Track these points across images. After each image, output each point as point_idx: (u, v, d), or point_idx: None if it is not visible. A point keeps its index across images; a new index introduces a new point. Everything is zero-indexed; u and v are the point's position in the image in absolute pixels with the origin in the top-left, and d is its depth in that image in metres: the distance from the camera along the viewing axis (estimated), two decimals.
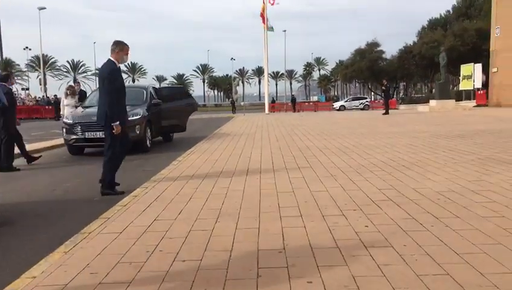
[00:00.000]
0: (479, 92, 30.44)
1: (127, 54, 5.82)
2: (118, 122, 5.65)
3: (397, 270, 2.82)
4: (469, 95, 33.98)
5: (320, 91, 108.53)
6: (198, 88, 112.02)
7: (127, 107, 6.15)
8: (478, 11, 49.43)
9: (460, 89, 36.24)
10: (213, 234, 3.68)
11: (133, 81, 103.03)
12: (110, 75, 5.64)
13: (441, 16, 58.26)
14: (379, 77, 51.20)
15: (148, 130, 10.85)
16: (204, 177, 6.32)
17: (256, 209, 4.40)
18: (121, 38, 6.78)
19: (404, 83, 70.10)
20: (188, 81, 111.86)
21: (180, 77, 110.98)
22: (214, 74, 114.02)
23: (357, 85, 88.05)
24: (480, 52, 38.37)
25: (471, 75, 32.27)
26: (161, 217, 4.27)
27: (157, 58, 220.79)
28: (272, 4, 30.53)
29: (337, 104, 48.26)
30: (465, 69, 33.80)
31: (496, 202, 4.39)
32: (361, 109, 42.99)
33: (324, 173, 6.36)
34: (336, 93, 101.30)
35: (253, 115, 32.17)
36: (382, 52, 58.51)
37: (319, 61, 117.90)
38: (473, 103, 30.53)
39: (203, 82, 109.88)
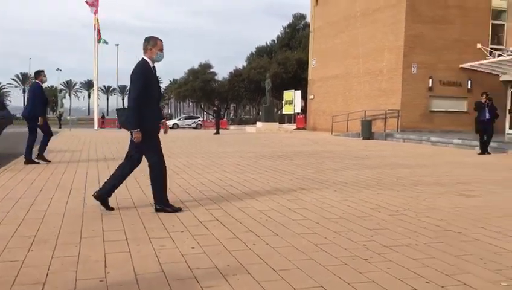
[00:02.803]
0: (299, 116, 33.56)
1: (161, 50, 5.06)
2: (138, 129, 4.86)
3: None
4: (290, 118, 37.18)
5: None
6: (18, 99, 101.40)
7: None
8: (298, 43, 54.72)
9: (283, 112, 39.44)
10: (24, 265, 3.30)
11: None
12: (135, 74, 4.91)
13: (267, 44, 62.88)
14: (211, 97, 52.91)
15: None
16: (18, 199, 5.67)
17: (78, 235, 4.10)
18: None
19: (235, 105, 73.54)
20: (5, 90, 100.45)
21: None
22: None
23: (190, 104, 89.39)
24: (300, 80, 42.34)
25: (292, 100, 35.42)
26: None
27: None
28: (95, 14, 29.25)
29: (170, 123, 48.30)
30: (287, 94, 36.95)
31: (309, 219, 4.83)
32: (194, 128, 43.79)
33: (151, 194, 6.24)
34: (169, 111, 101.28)
35: (81, 130, 30.23)
36: (214, 73, 60.65)
37: None
38: (293, 126, 33.49)
39: (24, 92, 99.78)
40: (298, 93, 34.67)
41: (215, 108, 28.02)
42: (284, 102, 37.86)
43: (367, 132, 21.12)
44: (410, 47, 21.88)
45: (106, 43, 30.95)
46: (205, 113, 70.16)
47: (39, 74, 9.85)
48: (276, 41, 60.79)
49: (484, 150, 13.62)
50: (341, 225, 4.64)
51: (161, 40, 5.09)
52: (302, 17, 57.71)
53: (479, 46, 21.65)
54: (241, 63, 74.39)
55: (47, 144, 9.99)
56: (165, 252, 3.65)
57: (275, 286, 2.97)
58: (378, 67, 23.62)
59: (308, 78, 31.87)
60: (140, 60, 5.03)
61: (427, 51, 21.96)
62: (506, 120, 22.78)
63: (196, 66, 59.35)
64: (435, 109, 22.34)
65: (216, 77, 60.63)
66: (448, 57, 22.13)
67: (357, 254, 3.68)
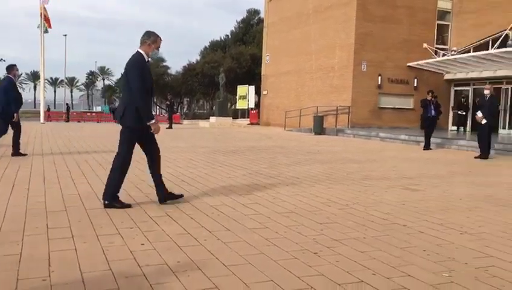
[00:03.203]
0: (253, 111, 33.65)
1: (158, 48, 5.05)
2: (153, 121, 4.84)
3: (169, 288, 2.84)
4: (244, 113, 37.21)
5: (104, 102, 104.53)
6: None
7: None
8: (252, 38, 54.77)
9: (237, 107, 39.42)
10: None
11: None
12: (132, 66, 4.80)
13: (221, 38, 62.60)
14: (164, 91, 52.09)
15: None
16: None
17: (20, 233, 3.92)
18: None
19: (188, 99, 72.82)
20: None
21: None
22: None
23: None
24: (254, 75, 42.42)
25: (246, 95, 35.45)
26: None
27: None
28: (45, 3, 28.05)
29: None
30: (241, 89, 36.94)
31: (261, 214, 4.85)
32: None
33: (101, 188, 6.07)
34: None
35: (27, 123, 28.97)
36: (167, 67, 59.82)
37: (104, 71, 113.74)
38: (247, 121, 33.53)
39: None
40: (252, 88, 34.73)
41: (168, 102, 27.57)
42: (237, 97, 37.84)
43: (319, 128, 21.47)
44: (361, 45, 22.40)
45: (46, 32, 29.67)
46: (158, 107, 69.11)
47: (12, 68, 9.38)
48: (230, 36, 60.58)
49: (426, 145, 14.17)
50: (292, 219, 4.70)
51: (161, 39, 5.05)
52: (256, 12, 57.77)
53: (425, 45, 22.48)
54: (195, 57, 73.54)
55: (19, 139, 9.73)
56: (113, 249, 3.56)
57: (226, 281, 2.96)
58: (330, 64, 24.03)
59: (262, 74, 32.00)
60: (135, 53, 4.93)
61: (376, 49, 22.56)
62: (449, 117, 23.81)
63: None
64: (384, 106, 23.01)
65: (169, 71, 59.84)
66: (397, 56, 22.84)
67: (307, 247, 3.73)
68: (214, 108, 37.64)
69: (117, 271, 3.08)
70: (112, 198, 4.99)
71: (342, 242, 3.92)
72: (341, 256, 3.54)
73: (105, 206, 4.95)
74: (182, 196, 5.47)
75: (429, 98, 14.51)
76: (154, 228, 4.21)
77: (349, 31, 22.64)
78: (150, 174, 5.26)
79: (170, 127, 24.49)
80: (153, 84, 5.11)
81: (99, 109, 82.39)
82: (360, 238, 4.07)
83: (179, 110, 60.64)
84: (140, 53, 4.91)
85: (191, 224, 4.37)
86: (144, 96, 4.82)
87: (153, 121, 4.86)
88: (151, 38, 4.94)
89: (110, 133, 19.84)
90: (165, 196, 5.24)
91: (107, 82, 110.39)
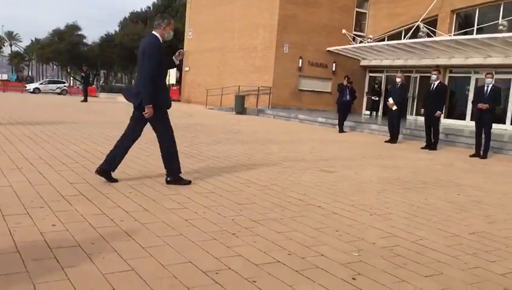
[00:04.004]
0: (174, 87, 33.01)
1: (172, 29, 5.17)
2: (151, 105, 4.89)
3: (82, 271, 2.74)
4: None
5: (11, 69, 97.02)
6: None
7: None
8: (175, 12, 53.38)
9: None
10: None
11: None
12: (150, 50, 4.91)
13: (142, 10, 60.39)
14: (79, 62, 49.46)
15: None
16: None
17: None
18: None
19: (105, 71, 69.78)
20: None
21: None
22: None
23: (54, 67, 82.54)
24: (175, 51, 41.51)
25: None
26: None
27: None
28: None
29: (31, 86, 44.04)
30: None
31: (181, 194, 4.81)
32: (59, 94, 40.57)
33: (9, 164, 5.70)
34: (30, 74, 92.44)
35: None
36: (83, 36, 56.71)
37: (11, 36, 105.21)
38: None
39: None
40: None
41: (83, 74, 26.24)
42: None
43: (240, 107, 21.59)
44: (284, 26, 22.69)
45: None
46: (72, 78, 65.57)
47: None
48: (152, 8, 58.61)
49: (341, 128, 14.80)
50: (212, 199, 4.71)
51: (173, 20, 5.24)
52: None
53: (344, 31, 23.30)
54: (114, 28, 70.30)
55: None
56: (21, 230, 3.36)
57: (143, 263, 2.92)
58: (253, 44, 24.12)
59: (184, 50, 31.38)
60: (151, 36, 5.05)
61: (298, 32, 22.98)
62: (363, 102, 25.00)
63: (62, 27, 54.89)
64: (304, 88, 23.62)
65: (85, 41, 56.83)
66: (317, 40, 23.44)
67: (225, 228, 3.77)
68: (133, 82, 36.34)
69: (25, 254, 2.92)
70: (175, 174, 5.21)
71: (260, 223, 4.00)
72: (259, 237, 3.62)
73: (168, 182, 5.19)
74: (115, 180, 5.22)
75: (345, 83, 15.11)
76: (66, 207, 4.03)
77: (273, 11, 22.81)
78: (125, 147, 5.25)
79: (85, 100, 23.38)
80: (163, 64, 5.18)
81: (5, 77, 76.42)
82: (277, 219, 4.18)
83: (94, 83, 57.99)
84: (157, 37, 5.02)
85: (107, 204, 4.23)
86: (150, 84, 4.93)
87: (150, 106, 4.93)
88: (165, 21, 5.07)
89: (20, 104, 18.57)
90: (106, 174, 5.10)
91: (15, 48, 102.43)
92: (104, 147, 7.78)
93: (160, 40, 5.04)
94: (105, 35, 54.65)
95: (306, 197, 5.15)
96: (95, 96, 33.30)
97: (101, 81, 69.48)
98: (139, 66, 5.09)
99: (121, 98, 28.95)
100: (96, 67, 58.83)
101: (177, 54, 5.27)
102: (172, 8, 54.87)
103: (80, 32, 56.28)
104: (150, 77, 4.90)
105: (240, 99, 21.85)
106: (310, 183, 5.94)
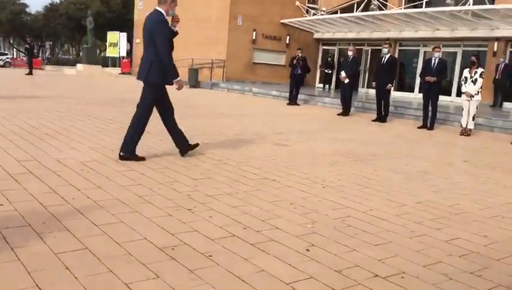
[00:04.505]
0: (124, 60, 32.02)
1: (176, 5, 5.15)
2: (179, 78, 5.15)
3: (33, 251, 2.68)
4: (115, 62, 35.30)
5: None
6: None
7: None
8: None
9: (107, 55, 37.20)
10: None
11: None
12: (161, 26, 5.01)
13: None
14: (23, 32, 46.91)
15: None
16: None
17: None
18: None
19: (51, 43, 66.66)
20: None
21: None
22: None
23: None
24: (126, 22, 40.10)
25: (117, 43, 33.51)
26: None
27: None
28: None
29: None
30: (111, 36, 34.75)
31: (134, 170, 4.74)
32: (1, 66, 38.52)
33: None
34: None
35: None
36: (26, 5, 53.65)
37: None
38: (118, 70, 31.90)
39: None
40: (124, 35, 32.90)
41: (27, 45, 25.03)
42: (108, 44, 35.56)
43: (194, 81, 21.29)
44: None
45: None
46: (15, 50, 62.34)
47: None
48: None
49: (294, 102, 14.93)
50: (167, 175, 4.68)
51: None
52: None
53: (297, 3, 23.24)
54: None
55: None
56: None
57: (97, 241, 2.88)
58: (206, 15, 23.67)
59: (135, 20, 30.40)
60: (157, 13, 5.05)
61: (252, 4, 22.72)
62: (316, 75, 25.25)
63: None
64: (258, 61, 23.52)
65: (28, 10, 53.83)
66: (271, 12, 23.28)
67: (181, 204, 3.77)
68: (81, 54, 34.99)
69: None
70: (130, 153, 5.14)
71: (215, 198, 4.02)
72: (214, 211, 3.65)
73: (121, 157, 5.10)
74: (197, 145, 5.74)
75: (298, 55, 15.15)
76: (14, 186, 3.89)
77: None
78: (169, 129, 5.49)
79: (30, 73, 22.35)
80: (171, 40, 5.25)
81: None
82: (233, 193, 4.21)
83: (40, 55, 55.42)
84: (161, 12, 5.05)
85: (58, 182, 4.11)
86: (171, 58, 5.10)
87: (179, 78, 5.16)
88: None
89: None
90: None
91: None
92: (51, 122, 7.52)
93: (165, 15, 5.08)
94: (50, 4, 51.96)
95: (261, 171, 5.21)
96: (40, 68, 31.85)
97: (47, 53, 66.44)
98: (146, 43, 5.15)
99: (69, 70, 27.86)
100: (41, 38, 56.08)
101: (173, 21, 5.24)
102: None
103: (22, 1, 53.23)
104: (169, 53, 5.08)
105: (194, 73, 21.52)
106: (265, 157, 6.00)
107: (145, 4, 28.94)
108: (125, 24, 39.31)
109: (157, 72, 5.08)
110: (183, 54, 24.37)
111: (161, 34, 4.99)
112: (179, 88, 5.24)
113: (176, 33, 5.28)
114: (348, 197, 4.37)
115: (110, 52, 35.32)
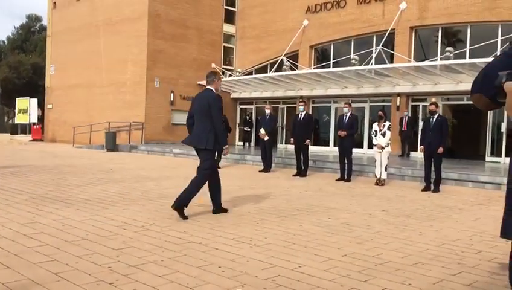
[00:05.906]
0: (35, 126, 30.58)
1: (221, 82, 6.58)
2: (227, 145, 6.35)
3: None
4: (25, 129, 33.57)
5: None
6: None
7: None
8: (34, 46, 50.07)
9: (17, 122, 35.35)
10: None
11: None
12: (217, 102, 6.11)
13: None
14: None
15: None
16: None
17: None
18: None
19: None
20: None
21: None
22: None
23: None
24: (36, 87, 38.69)
25: (27, 109, 32.08)
26: None
27: None
28: None
29: None
30: (21, 102, 33.26)
31: (48, 245, 4.40)
32: None
33: None
34: None
35: None
36: None
37: None
38: (29, 137, 30.30)
39: None
40: (34, 101, 31.61)
41: None
42: (17, 110, 33.90)
43: (111, 144, 20.72)
44: (153, 61, 22.55)
45: None
46: None
47: None
48: (6, 42, 54.18)
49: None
50: (84, 247, 4.38)
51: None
52: (38, 19, 53.05)
53: (213, 65, 23.87)
54: None
55: None
56: None
57: None
58: (122, 79, 23.51)
59: (46, 86, 29.41)
60: (210, 91, 6.19)
61: (169, 66, 23.00)
62: (236, 133, 25.67)
63: None
64: (177, 122, 23.49)
65: None
66: (188, 74, 23.67)
67: (102, 278, 3.52)
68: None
69: None
70: (181, 207, 5.83)
71: (139, 268, 3.81)
72: (139, 283, 3.44)
73: (175, 209, 5.79)
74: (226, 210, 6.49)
75: None
76: None
77: (141, 46, 22.56)
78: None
79: None
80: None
81: None
82: (157, 261, 4.02)
83: None
84: (212, 90, 6.19)
85: None
86: (223, 130, 6.27)
87: (227, 145, 6.34)
88: (217, 77, 6.31)
89: None
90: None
91: None
92: None
93: (214, 91, 6.20)
94: None
95: (186, 234, 5.05)
96: None
97: None
98: (203, 115, 6.09)
99: None
100: None
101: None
102: (31, 42, 51.44)
103: None
104: (221, 123, 6.21)
105: (111, 136, 20.98)
106: (189, 220, 5.85)
107: (58, 70, 28.26)
108: (35, 90, 37.92)
109: (214, 140, 6.02)
110: (99, 118, 23.89)
111: (219, 109, 6.09)
112: (226, 153, 6.44)
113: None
114: (276, 256, 4.34)
115: (20, 119, 33.67)
